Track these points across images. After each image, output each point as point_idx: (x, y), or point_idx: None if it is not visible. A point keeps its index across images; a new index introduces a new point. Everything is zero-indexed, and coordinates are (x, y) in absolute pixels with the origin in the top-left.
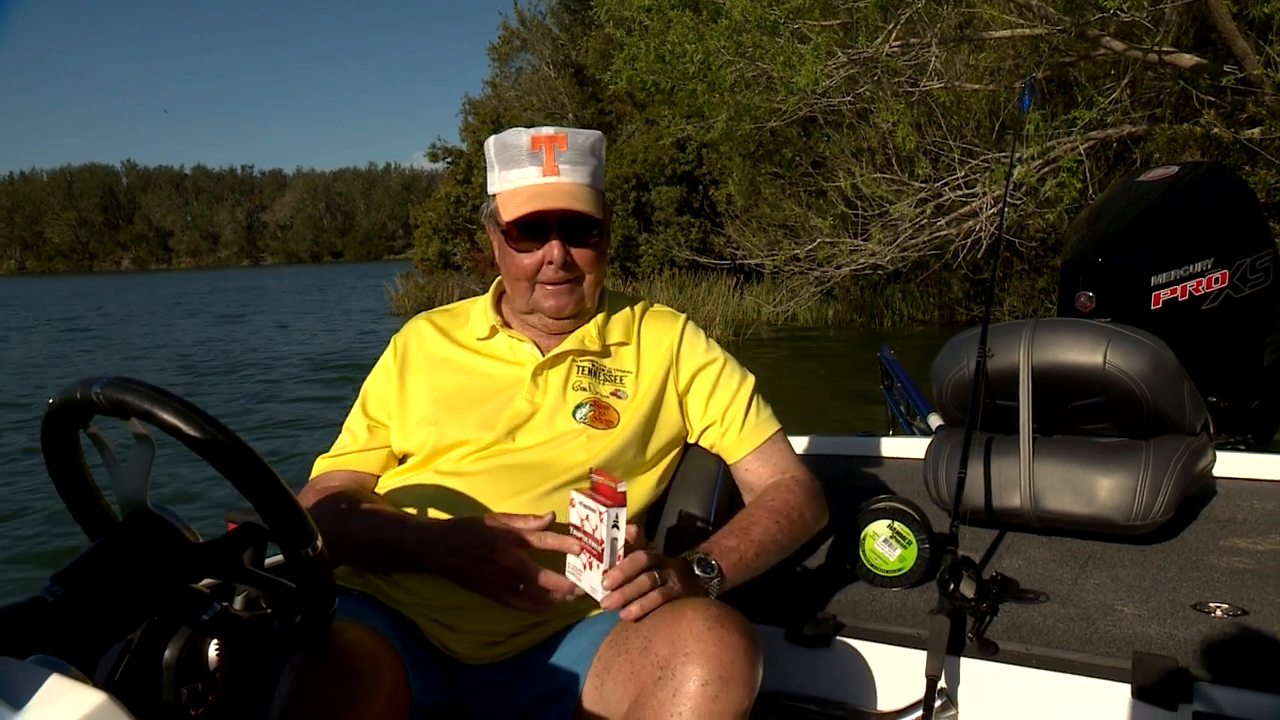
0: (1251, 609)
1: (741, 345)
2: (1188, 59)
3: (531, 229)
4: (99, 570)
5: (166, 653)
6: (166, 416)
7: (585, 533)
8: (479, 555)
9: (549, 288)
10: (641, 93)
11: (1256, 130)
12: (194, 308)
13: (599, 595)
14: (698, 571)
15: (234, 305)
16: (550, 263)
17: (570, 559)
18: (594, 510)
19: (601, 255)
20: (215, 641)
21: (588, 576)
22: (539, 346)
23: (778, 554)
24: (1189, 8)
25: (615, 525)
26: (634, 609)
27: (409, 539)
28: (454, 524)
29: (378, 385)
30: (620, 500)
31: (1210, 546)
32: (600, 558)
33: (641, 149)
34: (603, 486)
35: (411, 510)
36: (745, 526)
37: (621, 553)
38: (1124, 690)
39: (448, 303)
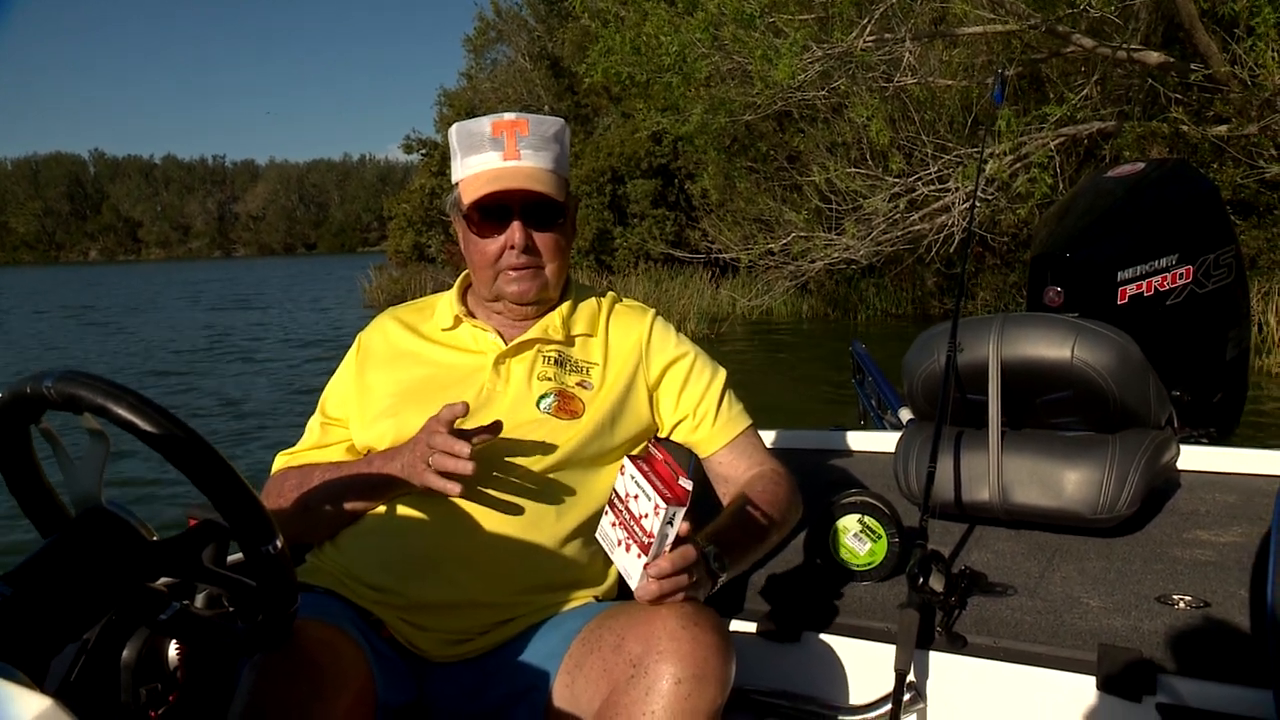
0: (1214, 601)
1: (716, 339)
2: (1155, 56)
3: (493, 213)
4: (50, 569)
5: (124, 653)
6: (121, 411)
7: (630, 514)
8: (416, 440)
9: (511, 274)
10: (617, 85)
11: (1224, 127)
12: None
13: (634, 580)
14: (713, 566)
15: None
16: (512, 247)
17: (605, 526)
18: (648, 496)
19: (565, 242)
20: (175, 641)
21: (623, 556)
22: (502, 335)
23: (766, 549)
24: (1157, 5)
25: (670, 522)
26: (664, 596)
27: (374, 460)
28: (401, 446)
29: (337, 384)
30: (684, 499)
31: (1174, 539)
32: (645, 548)
33: (617, 142)
34: (664, 472)
35: (380, 509)
36: (745, 519)
37: (668, 548)
38: (1089, 682)
39: (422, 296)
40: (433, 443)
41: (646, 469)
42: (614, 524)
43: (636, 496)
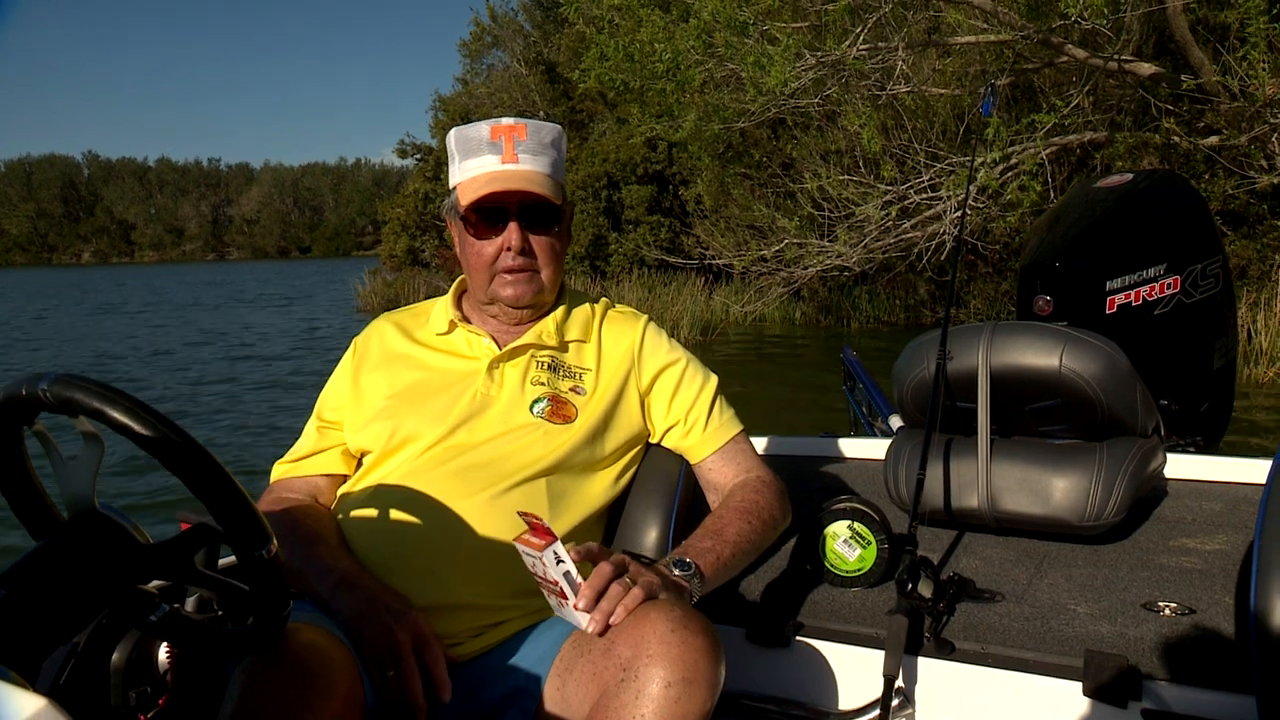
0: (1199, 608)
1: (709, 345)
2: (1146, 67)
3: (490, 215)
4: (43, 571)
5: (114, 655)
6: (117, 415)
7: (541, 578)
8: (382, 639)
9: (507, 276)
10: (611, 91)
11: (1214, 138)
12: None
13: (580, 623)
14: (676, 572)
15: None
16: (509, 249)
17: (549, 600)
18: (535, 557)
19: (560, 246)
20: (165, 644)
21: (565, 612)
22: (496, 340)
23: (751, 554)
24: (1149, 17)
25: (559, 561)
26: (619, 612)
27: (326, 583)
28: (376, 594)
29: (333, 387)
30: (549, 538)
31: (1160, 546)
32: (564, 595)
33: (612, 148)
34: (535, 528)
35: (371, 512)
36: (718, 529)
37: (579, 580)
38: (1076, 688)
39: (415, 300)
40: (399, 664)
41: (527, 537)
42: (548, 595)
43: (534, 564)
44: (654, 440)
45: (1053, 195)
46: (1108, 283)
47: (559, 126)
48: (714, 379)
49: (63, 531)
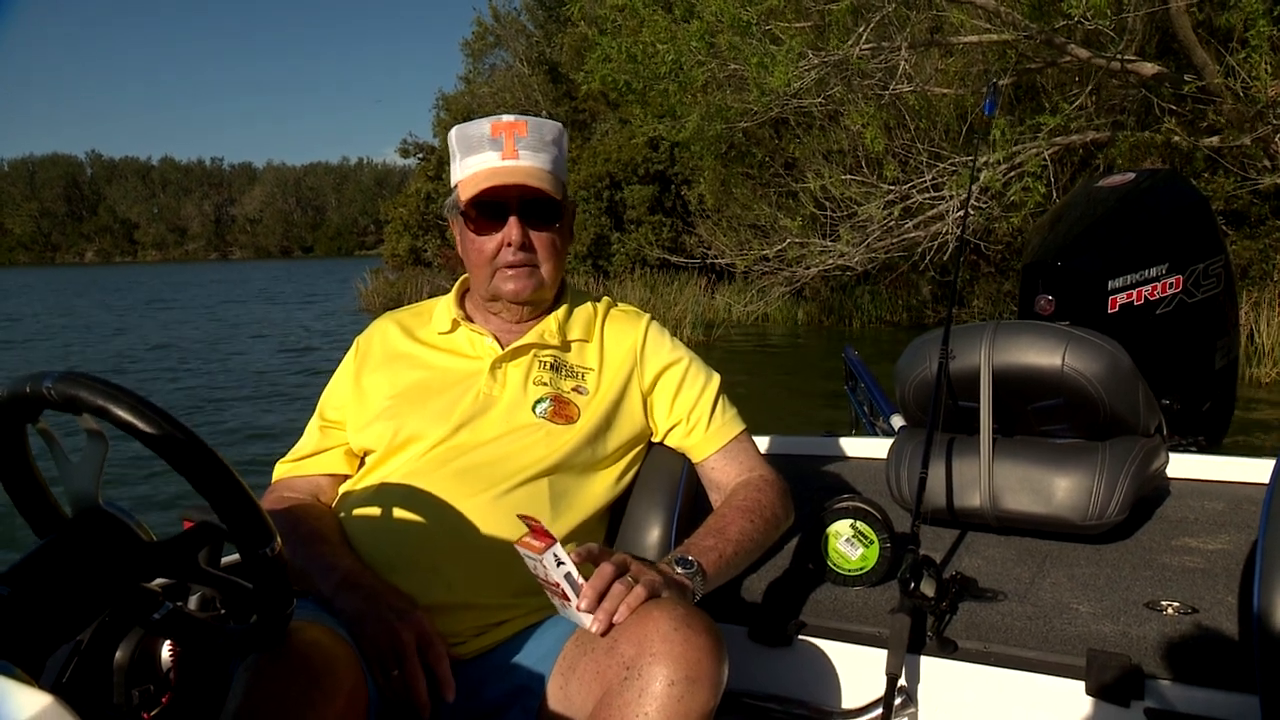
0: (1202, 607)
1: (711, 345)
2: (1149, 67)
3: (490, 209)
4: (47, 569)
5: (117, 654)
6: (121, 413)
7: (543, 580)
8: (385, 637)
9: (508, 271)
10: (614, 92)
11: (1216, 138)
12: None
13: (584, 623)
14: (678, 570)
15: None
16: (509, 244)
17: (553, 601)
18: (536, 560)
19: (561, 243)
20: (168, 642)
21: (568, 613)
22: (499, 340)
23: (754, 552)
24: (1152, 17)
25: (560, 563)
26: (621, 611)
27: (329, 582)
28: (379, 592)
29: (335, 386)
30: (549, 541)
31: (1162, 546)
32: (566, 596)
33: (615, 148)
34: (535, 531)
35: (374, 511)
36: (720, 527)
37: (581, 581)
38: (1079, 687)
39: (417, 299)
40: (403, 663)
41: (527, 540)
42: (551, 595)
43: (535, 567)
44: (656, 439)
45: (1055, 195)
46: (1110, 282)
47: (560, 125)
48: (716, 378)
49: (66, 529)
